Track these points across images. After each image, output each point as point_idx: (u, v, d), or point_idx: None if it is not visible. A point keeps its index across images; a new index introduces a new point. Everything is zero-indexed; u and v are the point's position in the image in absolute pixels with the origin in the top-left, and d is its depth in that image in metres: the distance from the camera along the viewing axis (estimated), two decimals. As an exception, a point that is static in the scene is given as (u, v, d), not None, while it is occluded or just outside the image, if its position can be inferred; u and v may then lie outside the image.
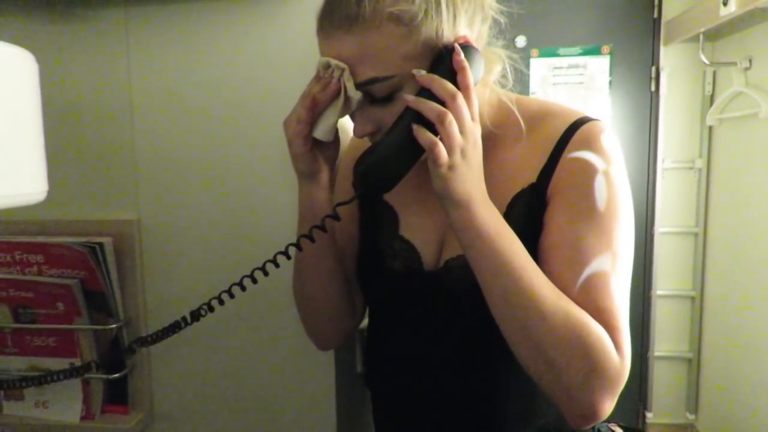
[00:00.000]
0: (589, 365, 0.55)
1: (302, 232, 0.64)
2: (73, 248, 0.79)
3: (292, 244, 0.62)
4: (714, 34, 2.10)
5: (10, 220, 0.84)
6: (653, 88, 2.30)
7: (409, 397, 0.73)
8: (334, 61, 0.58)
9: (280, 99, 0.79)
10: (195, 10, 0.78)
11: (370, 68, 0.56)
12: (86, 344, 0.82)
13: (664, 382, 2.50)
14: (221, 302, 0.63)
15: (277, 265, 0.61)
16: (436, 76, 0.55)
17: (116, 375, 0.84)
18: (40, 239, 0.81)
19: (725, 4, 1.78)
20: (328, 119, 0.62)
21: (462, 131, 0.54)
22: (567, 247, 0.59)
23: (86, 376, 0.84)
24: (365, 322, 0.84)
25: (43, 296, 0.80)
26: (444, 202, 0.57)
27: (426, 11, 0.55)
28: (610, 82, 2.31)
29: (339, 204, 0.61)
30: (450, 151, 0.54)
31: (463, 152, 0.55)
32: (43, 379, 0.73)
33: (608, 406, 0.57)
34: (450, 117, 0.53)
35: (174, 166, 0.82)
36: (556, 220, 0.61)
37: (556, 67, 2.33)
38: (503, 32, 0.65)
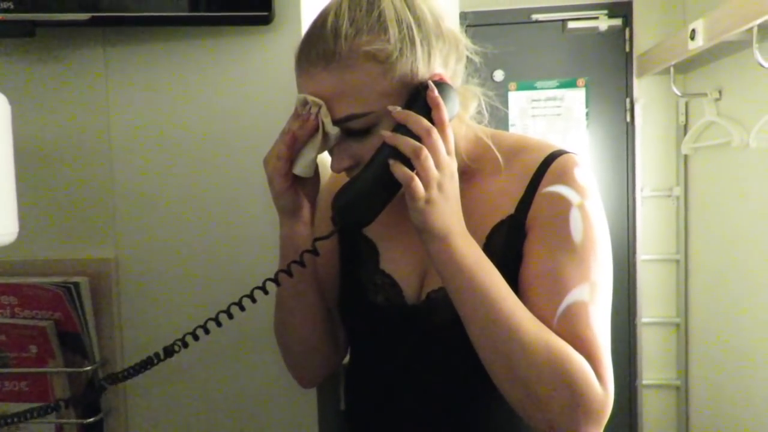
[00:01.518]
0: (571, 396, 0.54)
1: (282, 268, 0.64)
2: (47, 289, 0.77)
3: (269, 279, 0.61)
4: (684, 67, 2.17)
5: (-17, 261, 0.82)
6: (629, 119, 2.35)
7: (390, 427, 0.71)
8: (311, 98, 0.58)
9: (260, 136, 0.79)
10: (174, 49, 0.79)
11: (348, 105, 0.57)
12: (60, 388, 0.80)
13: (653, 410, 2.48)
14: (196, 338, 0.62)
15: (254, 300, 0.61)
16: (411, 112, 0.56)
17: (91, 419, 0.81)
18: (14, 280, 0.79)
19: (693, 38, 1.84)
20: (308, 155, 0.62)
21: (438, 165, 0.55)
22: (546, 279, 0.59)
23: (61, 420, 0.81)
24: (348, 358, 0.82)
25: (15, 339, 0.78)
26: (423, 235, 0.58)
27: (401, 50, 0.57)
28: (587, 114, 2.37)
29: (318, 239, 0.61)
30: (427, 185, 0.55)
31: (439, 186, 0.55)
32: (13, 418, 0.70)
33: None
34: (425, 152, 0.54)
35: (152, 204, 0.81)
36: (535, 252, 0.62)
37: (534, 100, 2.39)
38: (482, 66, 0.67)
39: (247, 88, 0.79)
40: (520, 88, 2.39)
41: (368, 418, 0.75)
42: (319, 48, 0.57)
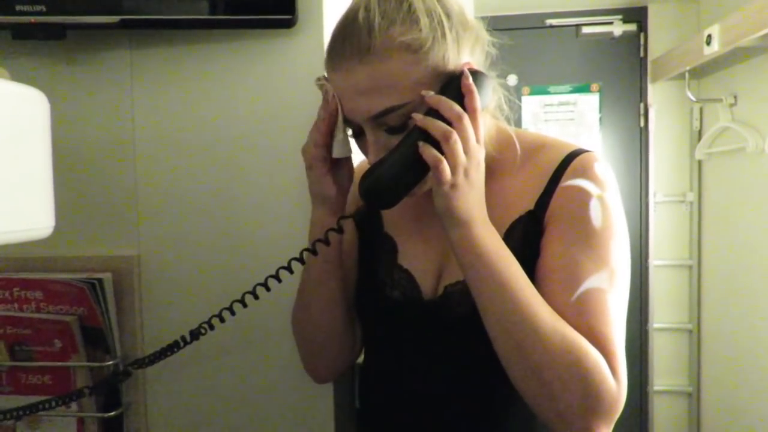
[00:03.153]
0: (585, 390, 0.55)
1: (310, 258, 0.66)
2: (72, 284, 0.79)
3: (294, 258, 0.63)
4: (699, 72, 2.16)
5: (10, 257, 0.84)
6: (642, 124, 2.35)
7: (404, 424, 0.72)
8: (322, 81, 0.61)
9: (282, 138, 0.81)
10: (198, 51, 0.81)
11: (385, 98, 0.58)
12: (82, 382, 0.81)
13: (664, 417, 2.46)
14: (222, 320, 0.64)
15: (279, 280, 0.62)
16: (444, 98, 0.57)
17: (112, 413, 0.83)
18: (40, 276, 0.81)
19: (708, 43, 1.84)
20: (338, 136, 0.64)
21: (466, 152, 0.56)
22: (562, 271, 0.60)
23: (81, 414, 0.83)
24: (363, 356, 0.83)
25: (40, 333, 0.80)
26: (445, 221, 0.58)
27: (433, 39, 0.58)
28: (600, 119, 2.37)
29: (342, 217, 0.63)
30: (453, 169, 0.55)
31: (466, 172, 0.56)
32: (35, 408, 0.71)
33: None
34: (455, 136, 0.55)
35: (175, 202, 0.83)
36: (553, 246, 0.62)
37: (547, 104, 2.39)
38: (495, 68, 0.68)
39: (270, 91, 0.80)
40: (533, 92, 2.39)
41: (384, 414, 0.76)
42: (353, 42, 0.58)
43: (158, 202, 0.83)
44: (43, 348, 0.80)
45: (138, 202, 0.83)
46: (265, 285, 0.63)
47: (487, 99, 0.61)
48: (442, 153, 0.55)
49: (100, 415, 0.83)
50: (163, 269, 0.84)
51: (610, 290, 0.59)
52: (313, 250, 0.63)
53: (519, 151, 0.67)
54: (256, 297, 0.63)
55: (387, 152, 0.61)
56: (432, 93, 0.58)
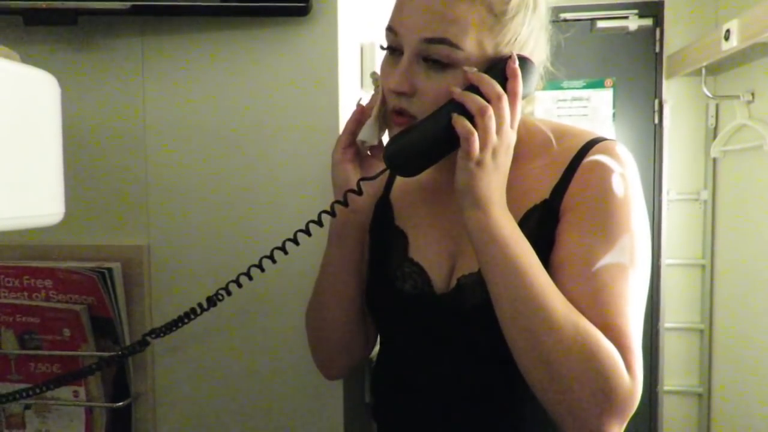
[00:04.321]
0: (597, 383, 0.53)
1: (329, 250, 0.68)
2: (81, 273, 0.79)
3: (312, 221, 0.64)
4: (716, 68, 2.12)
5: (20, 245, 0.83)
6: (657, 121, 2.31)
7: (419, 422, 0.71)
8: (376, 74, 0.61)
9: (294, 128, 0.79)
10: (210, 39, 0.80)
11: (447, 29, 0.57)
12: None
13: (674, 417, 2.44)
14: (239, 285, 0.65)
15: (296, 244, 0.64)
16: (486, 76, 0.57)
17: (120, 403, 0.82)
18: (49, 264, 0.80)
19: (727, 38, 1.81)
20: (369, 120, 0.64)
21: (498, 132, 0.56)
22: (577, 261, 0.59)
23: (90, 404, 0.82)
24: (374, 351, 0.82)
25: (49, 322, 0.79)
26: (464, 200, 0.58)
27: (515, 14, 0.58)
28: (614, 115, 2.33)
29: (363, 179, 0.63)
30: (483, 146, 0.55)
31: (494, 152, 0.56)
32: (45, 387, 0.71)
33: (616, 430, 0.54)
34: (491, 112, 0.55)
35: (185, 192, 0.82)
36: (569, 234, 0.61)
37: (560, 100, 2.36)
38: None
39: (283, 79, 0.79)
40: (546, 87, 2.36)
41: (394, 407, 0.75)
42: None
43: (168, 192, 0.82)
44: (52, 337, 0.80)
45: (148, 191, 0.83)
46: (282, 248, 0.65)
47: (530, 88, 0.61)
48: (476, 128, 0.55)
49: (108, 404, 0.82)
50: (172, 259, 0.83)
51: (631, 266, 0.57)
52: (332, 212, 0.64)
53: (548, 139, 0.66)
54: (274, 261, 0.65)
55: (409, 87, 0.60)
56: (475, 69, 0.57)
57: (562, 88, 2.35)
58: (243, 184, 0.81)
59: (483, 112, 0.54)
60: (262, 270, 0.63)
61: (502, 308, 0.57)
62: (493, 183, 0.57)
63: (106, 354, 0.77)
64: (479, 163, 0.55)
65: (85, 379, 0.81)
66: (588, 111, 2.35)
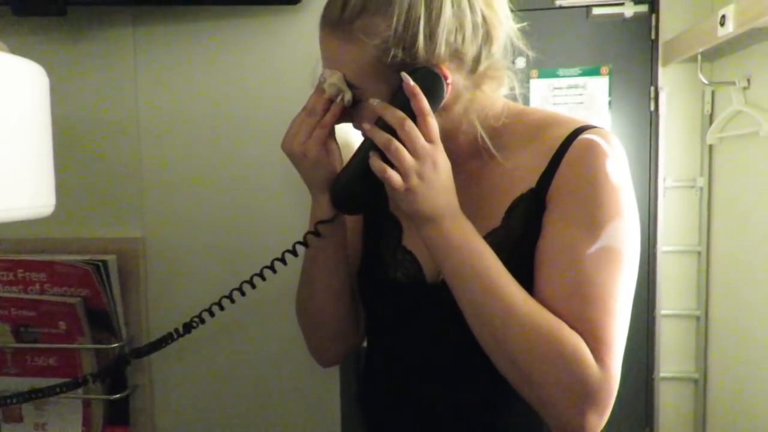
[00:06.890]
0: (564, 378, 0.54)
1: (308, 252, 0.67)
2: (76, 266, 0.78)
3: (288, 251, 0.66)
4: (712, 54, 2.12)
5: (14, 238, 0.83)
6: (652, 108, 2.31)
7: (404, 408, 0.72)
8: (327, 72, 0.61)
9: (287, 117, 0.79)
10: (201, 28, 0.79)
11: (348, 72, 0.59)
12: (88, 364, 0.81)
13: (670, 403, 2.46)
14: (212, 314, 0.67)
15: (274, 271, 0.66)
16: (387, 105, 0.57)
17: (117, 395, 0.83)
18: (44, 257, 0.80)
19: (722, 24, 1.80)
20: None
21: (415, 154, 0.56)
22: (560, 253, 0.59)
23: (88, 396, 0.83)
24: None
25: (45, 315, 0.79)
26: (413, 221, 0.60)
27: (401, 36, 0.56)
28: (610, 102, 2.33)
29: (320, 222, 0.64)
30: (404, 175, 0.56)
31: (420, 174, 0.56)
32: (41, 393, 0.71)
33: (594, 421, 0.55)
34: (395, 144, 0.55)
35: (179, 184, 0.82)
36: (552, 226, 0.61)
37: (555, 88, 2.35)
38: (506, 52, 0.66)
39: (274, 68, 0.79)
40: (541, 75, 2.35)
41: (380, 394, 0.75)
42: (329, 13, 0.59)
43: (162, 183, 0.82)
44: (48, 330, 0.80)
45: (142, 183, 0.82)
46: (271, 267, 0.66)
47: (444, 96, 0.59)
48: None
49: (105, 397, 0.83)
50: (167, 251, 0.83)
51: (620, 251, 0.57)
52: (304, 243, 0.66)
53: (536, 128, 0.65)
54: (254, 286, 0.66)
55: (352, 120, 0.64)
56: (378, 101, 0.58)
57: (557, 76, 2.34)
58: (237, 173, 0.81)
59: (387, 147, 0.56)
60: (243, 294, 0.67)
61: (467, 314, 0.59)
62: (432, 199, 0.57)
63: (76, 386, 0.76)
64: (408, 190, 0.56)
65: (82, 372, 0.81)
66: (584, 99, 2.35)
